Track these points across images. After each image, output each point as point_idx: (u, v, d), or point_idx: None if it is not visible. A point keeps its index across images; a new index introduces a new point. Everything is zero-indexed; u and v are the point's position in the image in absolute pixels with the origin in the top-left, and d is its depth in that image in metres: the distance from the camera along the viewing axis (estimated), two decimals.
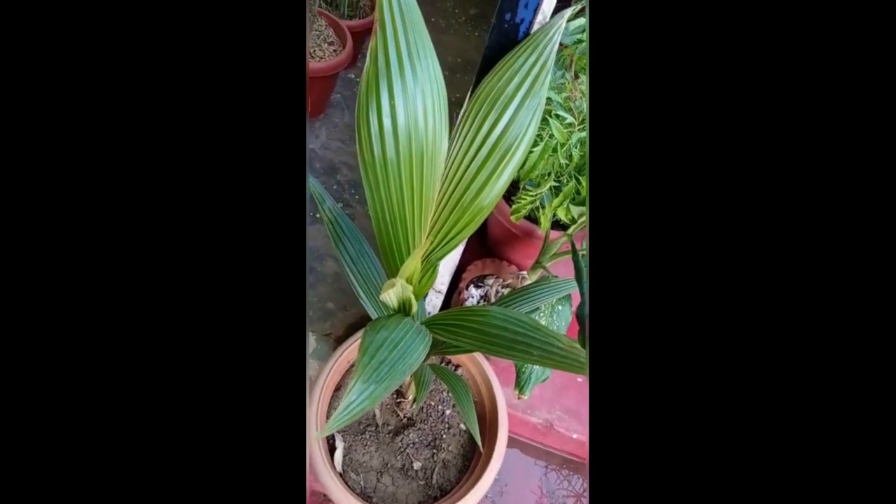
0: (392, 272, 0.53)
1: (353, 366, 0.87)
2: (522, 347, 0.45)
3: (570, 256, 0.73)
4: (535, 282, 0.68)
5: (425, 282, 0.56)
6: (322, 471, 0.73)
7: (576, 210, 0.58)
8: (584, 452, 1.06)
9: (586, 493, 1.04)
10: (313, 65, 1.35)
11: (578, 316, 0.59)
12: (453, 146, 0.48)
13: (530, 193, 0.58)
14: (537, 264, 0.79)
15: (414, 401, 0.83)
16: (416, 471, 0.79)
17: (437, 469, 0.80)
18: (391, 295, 0.42)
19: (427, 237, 0.52)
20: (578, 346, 0.44)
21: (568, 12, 0.45)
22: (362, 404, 0.37)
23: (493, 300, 0.93)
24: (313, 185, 0.63)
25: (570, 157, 0.54)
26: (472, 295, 0.94)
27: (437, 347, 0.70)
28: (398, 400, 0.82)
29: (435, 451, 0.81)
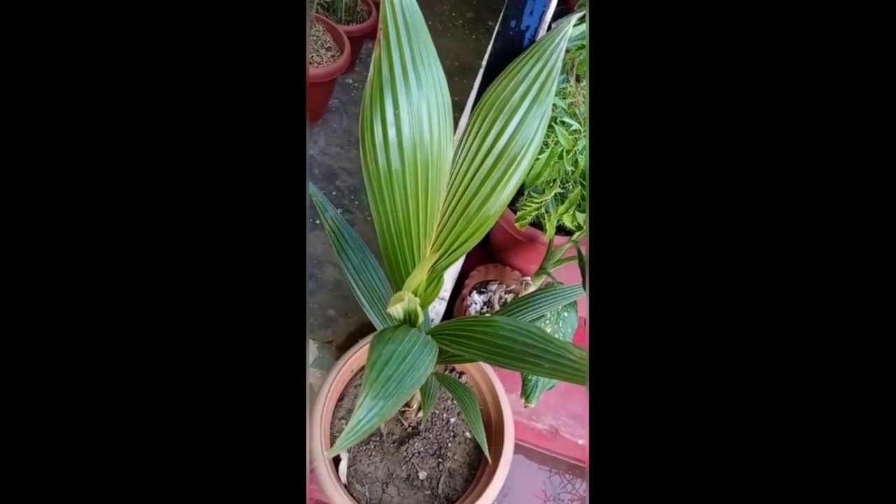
0: (397, 282, 0.52)
1: (356, 375, 0.86)
2: (532, 360, 0.44)
3: (574, 262, 0.73)
4: (540, 289, 0.68)
5: (431, 291, 0.55)
6: (327, 482, 0.72)
7: (581, 217, 0.58)
8: None
9: None
10: (311, 70, 1.34)
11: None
12: (458, 155, 0.47)
13: (535, 200, 0.57)
14: (541, 270, 0.78)
15: (420, 411, 0.82)
16: (422, 480, 0.79)
17: (442, 478, 0.79)
18: (398, 308, 0.41)
19: (432, 247, 0.52)
20: (583, 353, 0.43)
21: (574, 18, 0.44)
22: (371, 421, 0.36)
23: (496, 306, 0.93)
24: (314, 193, 0.63)
25: (575, 164, 0.53)
26: (476, 301, 0.93)
27: (442, 357, 0.69)
28: (403, 409, 0.81)
29: (440, 460, 0.81)
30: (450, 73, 1.69)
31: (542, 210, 0.59)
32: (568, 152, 0.52)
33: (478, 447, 0.84)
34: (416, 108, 0.43)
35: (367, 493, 0.75)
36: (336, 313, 1.17)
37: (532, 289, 0.86)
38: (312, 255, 1.23)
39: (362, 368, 0.88)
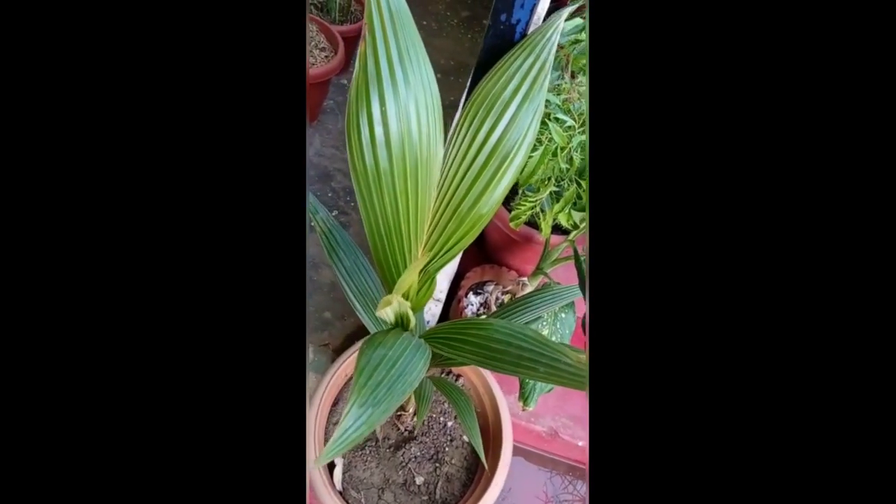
0: (388, 285, 0.51)
1: (350, 379, 0.85)
2: (528, 364, 0.43)
3: (571, 262, 0.71)
4: (537, 289, 0.66)
5: (423, 293, 0.53)
6: (321, 490, 0.70)
7: (577, 215, 0.56)
8: None
9: None
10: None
11: (585, 325, 0.57)
12: (449, 153, 0.46)
13: (530, 199, 0.56)
14: (538, 270, 0.77)
15: (415, 415, 0.80)
16: (419, 486, 0.77)
17: (440, 483, 0.78)
18: (388, 312, 0.40)
19: (424, 248, 0.50)
20: (581, 356, 0.41)
21: (565, 12, 0.43)
22: (359, 430, 0.35)
23: (493, 307, 0.91)
24: (308, 196, 0.61)
25: (570, 161, 0.52)
26: (472, 303, 0.92)
27: (437, 360, 0.68)
28: (398, 413, 0.80)
29: (437, 464, 0.79)
30: (445, 73, 1.68)
31: (537, 209, 0.58)
32: (562, 149, 0.51)
33: (476, 451, 0.82)
34: (403, 105, 0.41)
35: (362, 500, 0.74)
36: (332, 316, 1.16)
37: (529, 289, 0.84)
38: (308, 258, 1.22)
39: None
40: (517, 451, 1.04)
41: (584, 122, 0.51)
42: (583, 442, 0.99)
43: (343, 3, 1.49)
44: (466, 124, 0.44)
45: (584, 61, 0.56)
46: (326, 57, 1.37)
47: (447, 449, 0.81)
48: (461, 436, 0.83)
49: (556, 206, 0.55)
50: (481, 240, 1.02)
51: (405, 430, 0.80)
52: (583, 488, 1.06)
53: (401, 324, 0.50)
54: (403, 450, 0.78)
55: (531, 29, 0.45)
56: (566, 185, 0.55)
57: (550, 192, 0.56)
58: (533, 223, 0.67)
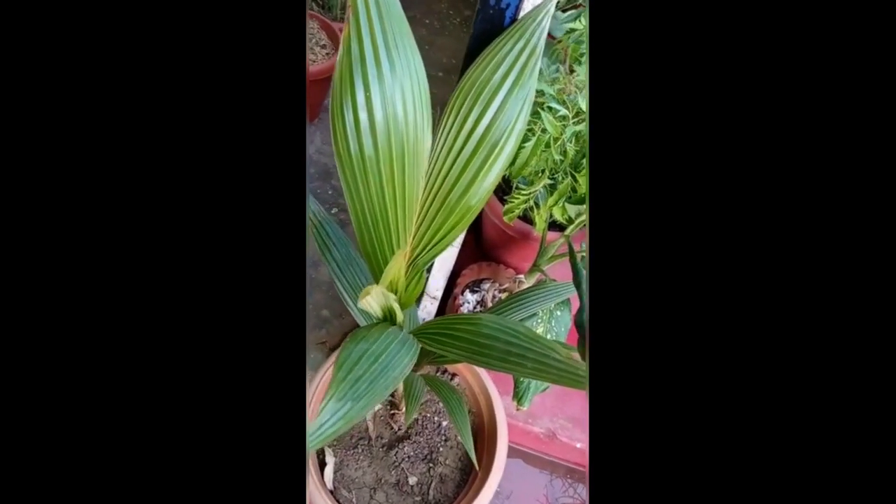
0: (377, 276, 0.50)
1: None
2: (516, 359, 0.41)
3: (568, 259, 0.70)
4: (532, 286, 0.65)
5: (412, 288, 0.52)
6: (311, 488, 0.69)
7: (572, 209, 0.55)
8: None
9: None
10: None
11: (578, 323, 0.55)
12: (437, 142, 0.44)
13: (523, 192, 0.54)
14: (534, 267, 0.75)
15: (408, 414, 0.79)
16: (412, 486, 0.76)
17: (433, 484, 0.77)
18: (370, 302, 0.39)
19: (412, 240, 0.49)
20: (577, 357, 0.40)
21: None
22: (336, 425, 0.34)
23: (489, 305, 0.90)
24: None
25: (564, 153, 0.50)
26: (468, 300, 0.90)
27: (428, 357, 0.67)
28: (392, 412, 0.79)
29: (431, 464, 0.78)
30: (447, 71, 1.67)
31: (531, 203, 0.56)
32: (556, 140, 0.50)
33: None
34: (389, 91, 0.40)
35: (353, 499, 0.73)
36: (330, 314, 1.15)
37: (526, 287, 0.83)
38: (307, 256, 1.21)
39: None
40: (516, 452, 1.02)
41: (578, 112, 0.50)
42: (581, 444, 0.98)
43: None
44: (454, 113, 0.43)
45: (582, 50, 0.54)
46: (327, 54, 1.37)
47: (441, 449, 0.79)
48: (455, 436, 0.82)
49: (550, 200, 0.53)
50: (479, 237, 1.00)
51: (398, 428, 0.79)
52: (583, 492, 1.04)
53: (389, 319, 0.49)
54: (396, 449, 0.77)
55: (521, 14, 0.43)
56: (560, 178, 0.53)
57: (545, 185, 0.54)
58: (529, 219, 0.66)
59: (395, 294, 0.50)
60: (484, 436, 0.81)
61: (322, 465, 0.74)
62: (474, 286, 0.93)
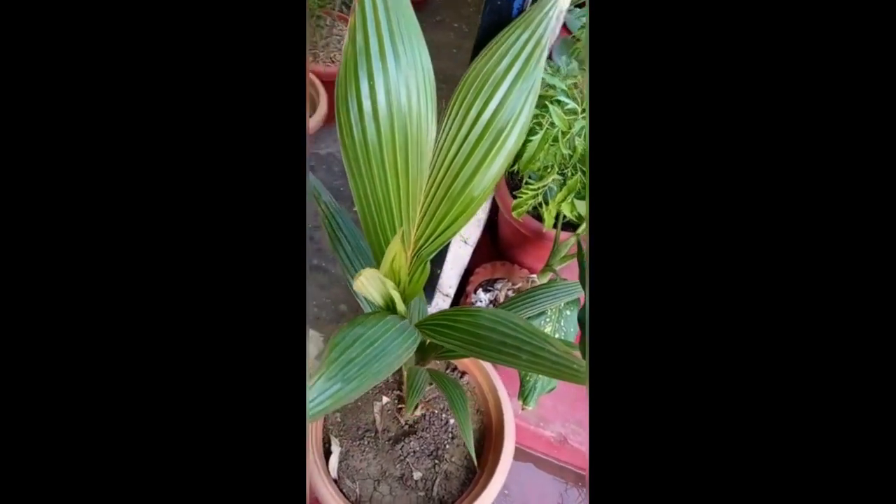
0: (380, 264, 0.50)
1: None
2: (511, 351, 0.41)
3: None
4: (541, 284, 0.64)
5: (417, 278, 0.52)
6: (315, 477, 0.70)
7: (581, 206, 0.54)
8: None
9: None
10: (334, 69, 1.35)
11: (580, 320, 0.55)
12: (441, 133, 0.45)
13: (532, 187, 0.54)
14: (547, 267, 0.74)
15: (417, 408, 0.79)
16: (416, 481, 0.76)
17: (438, 480, 0.76)
18: (366, 286, 0.39)
19: (416, 230, 0.49)
20: (574, 352, 0.39)
21: None
22: (322, 405, 0.34)
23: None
24: (311, 179, 0.62)
25: (573, 148, 0.50)
26: (481, 299, 0.90)
27: (435, 352, 0.67)
28: (399, 406, 0.79)
29: (437, 461, 0.77)
30: None
31: (540, 199, 0.56)
32: (564, 134, 0.49)
33: (476, 451, 0.80)
34: (393, 81, 0.41)
35: (357, 490, 0.73)
36: (348, 308, 1.16)
37: None
38: (326, 250, 1.23)
39: None
40: (526, 456, 1.01)
41: (585, 108, 0.49)
42: None
43: None
44: (458, 103, 0.43)
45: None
46: None
47: (447, 446, 0.79)
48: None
49: (559, 196, 0.53)
50: (494, 236, 1.00)
51: (405, 423, 0.79)
52: None
53: (391, 308, 0.50)
54: (402, 443, 0.77)
55: (528, 5, 0.43)
56: (570, 174, 0.53)
57: (554, 181, 0.54)
58: (540, 216, 0.65)
59: (399, 284, 0.50)
60: (491, 435, 0.80)
61: (328, 453, 0.75)
62: (488, 285, 0.92)
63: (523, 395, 0.67)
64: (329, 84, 1.33)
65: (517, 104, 0.42)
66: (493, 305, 0.90)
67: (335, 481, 0.73)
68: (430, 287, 0.79)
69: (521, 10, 0.43)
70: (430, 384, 0.74)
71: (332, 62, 1.42)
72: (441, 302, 0.89)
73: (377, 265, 0.52)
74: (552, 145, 0.49)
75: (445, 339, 0.47)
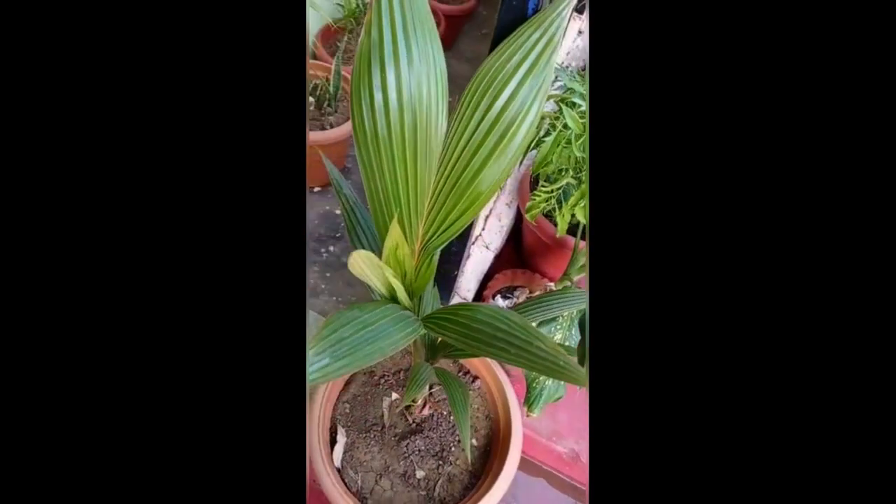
0: None
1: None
2: (502, 344, 0.41)
3: None
4: (555, 291, 0.64)
5: (424, 272, 0.53)
6: (319, 465, 0.71)
7: None
8: None
9: None
10: None
11: (580, 325, 0.54)
12: (452, 127, 0.46)
13: (545, 189, 0.54)
14: (565, 276, 0.73)
15: (425, 407, 0.79)
16: (419, 480, 0.76)
17: (440, 482, 0.76)
18: (361, 266, 0.40)
19: (424, 223, 0.50)
20: (563, 351, 0.39)
21: None
22: (309, 377, 0.35)
23: None
24: (331, 170, 0.64)
25: (586, 151, 0.49)
26: (499, 305, 0.90)
27: (445, 350, 0.67)
28: (408, 404, 0.79)
29: (441, 462, 0.77)
30: None
31: (554, 202, 0.56)
32: (578, 136, 0.49)
33: (481, 456, 0.79)
34: (405, 74, 0.42)
35: (359, 482, 0.74)
36: None
37: None
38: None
39: None
40: (538, 471, 0.99)
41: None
42: None
43: None
44: (469, 98, 0.44)
45: None
46: None
47: (453, 449, 0.79)
48: (470, 439, 0.81)
49: (572, 199, 0.52)
50: (518, 244, 0.99)
51: (413, 421, 0.80)
52: None
53: (395, 299, 0.51)
54: (408, 441, 0.78)
55: (544, 5, 0.44)
56: (584, 177, 0.52)
57: (568, 184, 0.54)
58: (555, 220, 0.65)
59: (405, 276, 0.51)
60: (498, 442, 0.80)
61: (332, 443, 0.76)
62: (507, 292, 0.92)
63: (529, 401, 0.66)
64: None
65: (526, 100, 0.42)
66: None
67: (338, 470, 0.74)
68: (448, 290, 0.80)
69: (536, 10, 0.44)
70: (440, 385, 0.74)
71: None
72: None
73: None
74: (565, 147, 0.49)
75: (444, 331, 0.47)
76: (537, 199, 0.56)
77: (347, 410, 0.80)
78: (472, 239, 0.89)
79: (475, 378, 0.86)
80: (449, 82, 0.45)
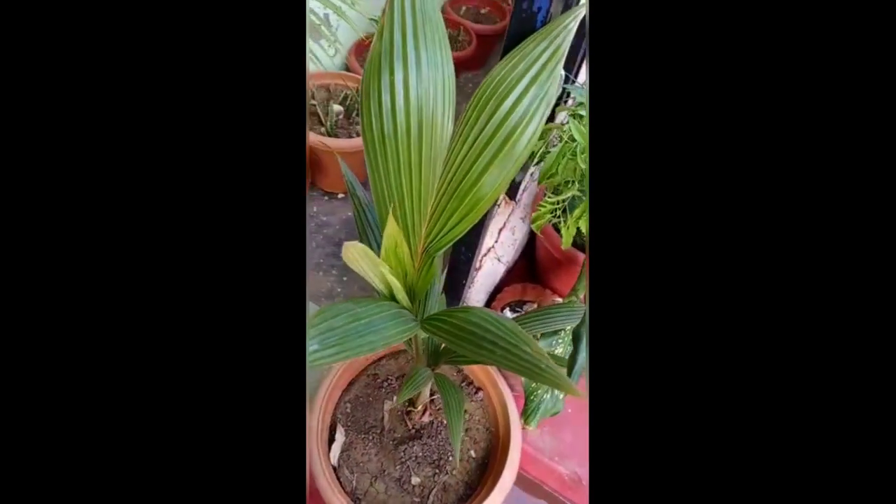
0: None
1: (371, 363, 0.87)
2: (489, 346, 0.41)
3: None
4: (559, 304, 0.63)
5: (425, 274, 0.54)
6: (315, 463, 0.72)
7: None
8: None
9: None
10: None
11: (575, 335, 0.53)
12: (457, 132, 0.47)
13: (550, 200, 0.54)
14: (573, 292, 0.73)
15: (425, 413, 0.80)
16: (414, 486, 0.75)
17: (435, 490, 0.76)
18: (356, 257, 0.41)
19: (427, 225, 0.51)
20: (548, 356, 0.39)
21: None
22: None
23: None
24: (346, 173, 0.66)
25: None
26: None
27: (447, 356, 0.67)
28: (408, 409, 0.80)
29: (437, 471, 0.77)
30: None
31: (559, 214, 0.56)
32: (584, 149, 0.49)
33: (479, 468, 0.79)
34: (413, 80, 0.44)
35: (353, 482, 0.74)
36: None
37: None
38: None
39: (381, 357, 0.88)
40: (540, 492, 0.97)
41: None
42: None
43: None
44: (474, 104, 0.45)
45: None
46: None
47: (451, 458, 0.78)
48: (469, 450, 0.80)
49: (577, 211, 0.52)
50: (531, 259, 0.99)
51: (412, 427, 0.80)
52: None
53: (394, 298, 0.51)
54: (406, 446, 0.78)
55: (553, 17, 0.45)
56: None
57: (574, 197, 0.54)
58: (577, 243, 0.65)
59: (406, 277, 0.52)
60: (496, 455, 0.79)
61: (330, 441, 0.77)
62: (516, 305, 0.91)
63: (526, 413, 0.65)
64: None
65: (529, 108, 0.43)
66: None
67: (334, 469, 0.74)
68: (457, 299, 0.80)
69: (544, 23, 0.45)
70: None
71: None
72: None
73: None
74: (571, 160, 0.50)
75: (438, 332, 0.48)
76: (542, 209, 0.56)
77: (348, 410, 0.81)
78: (485, 250, 0.89)
79: (478, 389, 0.86)
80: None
